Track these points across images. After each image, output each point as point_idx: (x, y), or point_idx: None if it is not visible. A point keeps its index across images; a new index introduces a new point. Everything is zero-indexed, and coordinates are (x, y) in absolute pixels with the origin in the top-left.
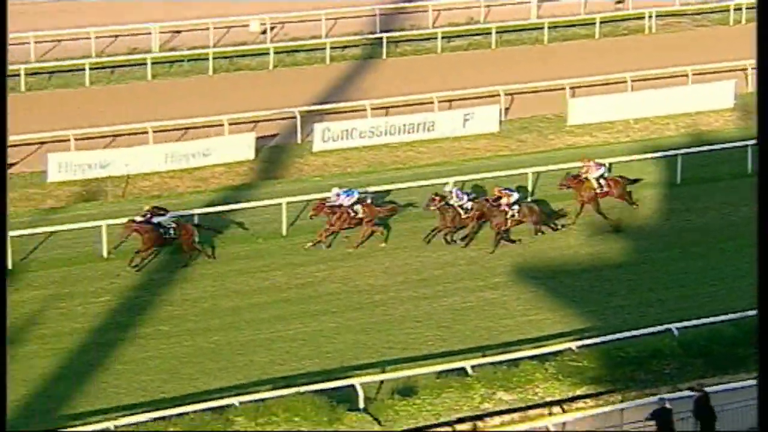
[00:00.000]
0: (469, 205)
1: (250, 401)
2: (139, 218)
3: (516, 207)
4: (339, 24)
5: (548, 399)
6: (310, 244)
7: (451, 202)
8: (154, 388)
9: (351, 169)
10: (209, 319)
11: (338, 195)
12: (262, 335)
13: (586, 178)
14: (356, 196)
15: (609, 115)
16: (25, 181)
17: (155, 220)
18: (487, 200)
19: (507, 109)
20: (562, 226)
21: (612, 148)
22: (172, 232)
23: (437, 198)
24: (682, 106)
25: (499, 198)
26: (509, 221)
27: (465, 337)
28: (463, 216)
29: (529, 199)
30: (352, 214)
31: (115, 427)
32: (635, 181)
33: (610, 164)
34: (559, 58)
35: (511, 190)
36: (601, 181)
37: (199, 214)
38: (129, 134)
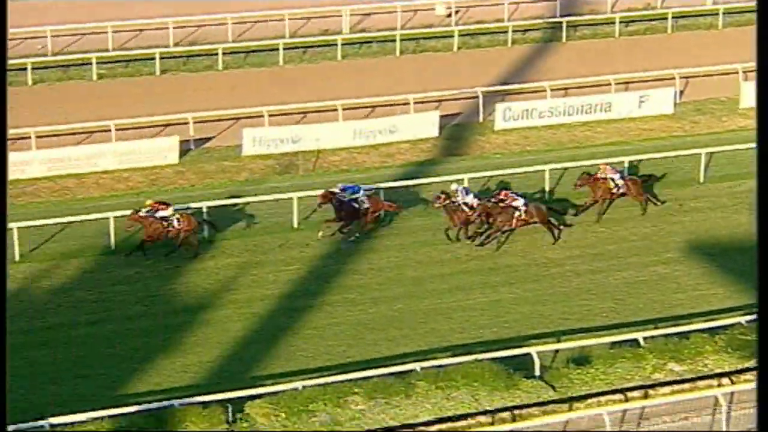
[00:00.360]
0: (474, 202)
1: (431, 367)
2: (144, 212)
3: (523, 207)
4: (521, 8)
5: (717, 371)
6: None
7: (458, 200)
8: (339, 353)
9: (530, 148)
10: (393, 287)
11: (343, 189)
12: (443, 304)
13: (604, 178)
14: (361, 192)
15: None
16: (222, 154)
17: (159, 214)
18: (492, 199)
19: (681, 91)
20: (569, 224)
21: None
22: (175, 223)
23: (443, 196)
24: None
25: (503, 198)
26: (515, 220)
27: (638, 310)
28: (469, 213)
29: (701, 179)
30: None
31: (303, 387)
32: (650, 177)
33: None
34: (733, 43)
35: (517, 195)
36: (619, 181)
37: (384, 188)
38: (319, 111)
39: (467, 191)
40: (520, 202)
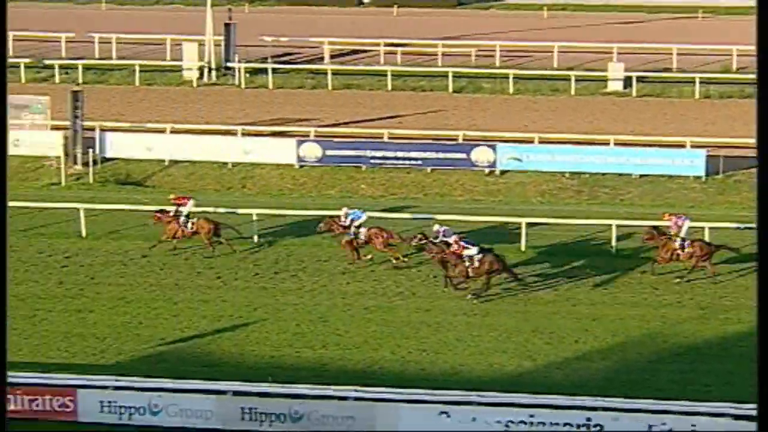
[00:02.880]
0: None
1: None
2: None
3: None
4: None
5: None
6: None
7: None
8: None
9: None
10: None
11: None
12: None
13: (669, 237)
14: (363, 217)
15: None
16: None
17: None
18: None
19: None
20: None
21: None
22: (189, 225)
23: (420, 236)
24: None
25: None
26: (469, 270)
27: None
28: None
29: None
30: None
31: None
32: (719, 247)
33: None
34: None
35: (470, 244)
36: (685, 243)
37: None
38: None
39: (447, 232)
40: (473, 251)
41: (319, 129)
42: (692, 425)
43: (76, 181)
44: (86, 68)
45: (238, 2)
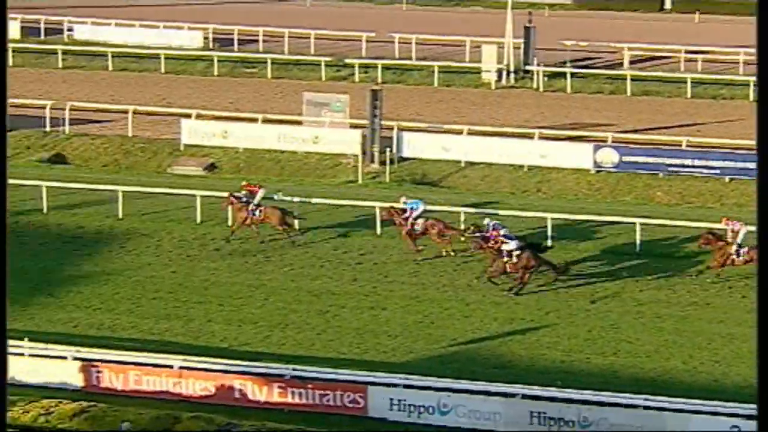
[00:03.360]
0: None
1: None
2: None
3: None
4: None
5: None
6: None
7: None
8: None
9: None
10: None
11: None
12: None
13: (727, 242)
14: (421, 207)
15: None
16: None
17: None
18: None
19: None
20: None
21: None
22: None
23: (472, 227)
24: None
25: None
26: (508, 266)
27: None
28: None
29: None
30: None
31: None
32: None
33: None
34: None
35: (509, 238)
36: (741, 250)
37: None
38: None
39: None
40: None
41: (617, 135)
42: None
43: (372, 179)
44: (385, 68)
45: (538, 6)
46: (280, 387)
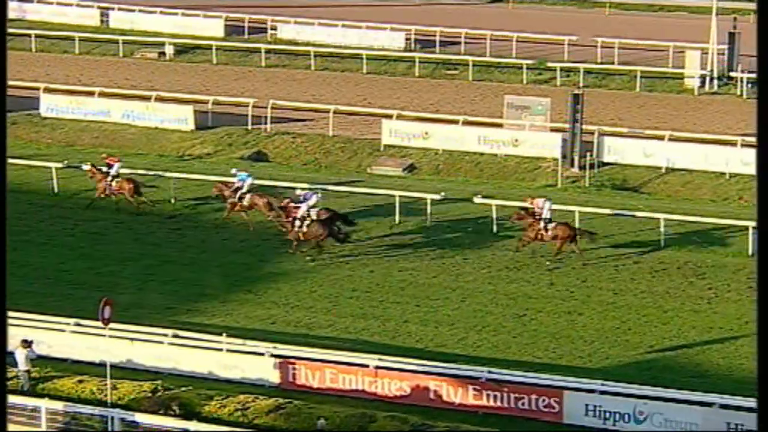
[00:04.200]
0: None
1: None
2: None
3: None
4: None
5: None
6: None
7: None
8: None
9: None
10: None
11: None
12: None
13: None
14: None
15: None
16: None
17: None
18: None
19: None
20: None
21: None
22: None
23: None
24: None
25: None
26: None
27: None
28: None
29: None
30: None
31: None
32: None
33: None
34: None
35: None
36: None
37: None
38: None
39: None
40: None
41: None
42: None
43: (571, 183)
44: (587, 72)
45: (743, 12)
46: (475, 389)
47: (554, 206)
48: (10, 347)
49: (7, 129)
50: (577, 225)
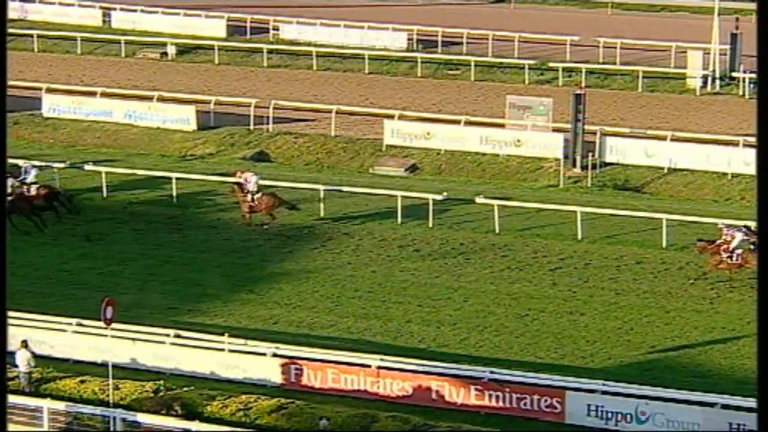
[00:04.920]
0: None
1: None
2: None
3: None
4: None
5: None
6: None
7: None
8: None
9: None
10: None
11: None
12: None
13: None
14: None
15: None
16: None
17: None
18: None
19: None
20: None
21: None
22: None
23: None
24: None
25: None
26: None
27: None
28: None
29: None
30: None
31: None
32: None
33: None
34: None
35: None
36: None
37: None
38: None
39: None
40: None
41: None
42: None
43: (573, 184)
44: (589, 72)
45: (745, 12)
46: (477, 389)
47: (556, 206)
48: (11, 347)
49: (9, 129)
50: (578, 226)
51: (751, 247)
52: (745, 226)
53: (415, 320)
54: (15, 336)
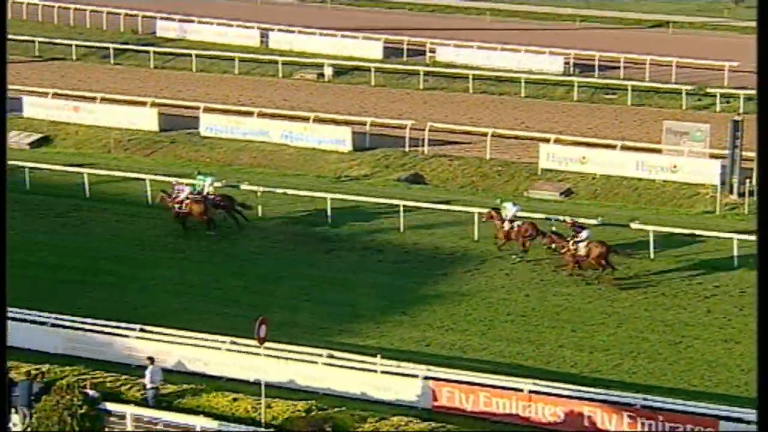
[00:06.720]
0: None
1: None
2: None
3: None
4: None
5: None
6: None
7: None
8: None
9: None
10: None
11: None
12: None
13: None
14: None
15: None
16: None
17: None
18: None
19: None
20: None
21: None
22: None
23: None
24: None
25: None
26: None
27: None
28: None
29: None
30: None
31: None
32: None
33: None
34: None
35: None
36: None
37: None
38: None
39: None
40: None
41: None
42: None
43: (730, 210)
44: (747, 98)
45: None
46: (629, 416)
47: (712, 233)
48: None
49: (167, 148)
50: (735, 253)
51: None
52: None
53: (567, 345)
54: (170, 353)
